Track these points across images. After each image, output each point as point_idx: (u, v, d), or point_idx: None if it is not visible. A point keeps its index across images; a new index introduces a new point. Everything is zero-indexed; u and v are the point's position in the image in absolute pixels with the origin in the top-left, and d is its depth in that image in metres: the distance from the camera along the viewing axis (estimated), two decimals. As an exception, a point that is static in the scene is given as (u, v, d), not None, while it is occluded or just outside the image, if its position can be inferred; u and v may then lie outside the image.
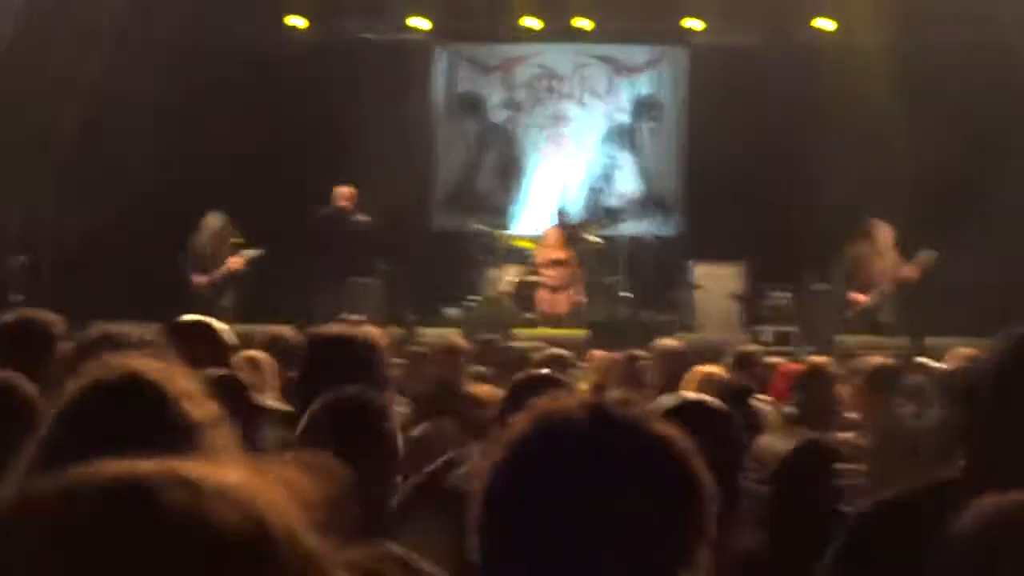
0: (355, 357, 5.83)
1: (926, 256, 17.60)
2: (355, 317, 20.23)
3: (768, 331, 20.55)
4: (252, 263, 18.61)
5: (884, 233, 18.02)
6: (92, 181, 20.69)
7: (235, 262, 18.54)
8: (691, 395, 5.15)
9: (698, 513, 2.27)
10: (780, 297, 21.01)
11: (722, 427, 4.16)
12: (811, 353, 18.62)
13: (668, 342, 12.10)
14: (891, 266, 17.82)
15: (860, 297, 17.69)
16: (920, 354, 15.94)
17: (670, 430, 2.36)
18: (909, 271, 17.65)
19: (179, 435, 2.44)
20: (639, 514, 2.24)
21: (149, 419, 2.50)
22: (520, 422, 2.35)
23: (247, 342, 9.46)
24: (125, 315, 16.16)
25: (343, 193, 19.67)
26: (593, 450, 2.28)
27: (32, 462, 2.46)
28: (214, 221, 18.76)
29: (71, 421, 2.51)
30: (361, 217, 19.51)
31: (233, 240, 18.74)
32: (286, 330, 10.68)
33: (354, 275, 19.72)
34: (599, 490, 2.24)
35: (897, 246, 18.06)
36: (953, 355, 11.15)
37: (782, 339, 20.26)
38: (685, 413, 3.80)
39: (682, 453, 2.32)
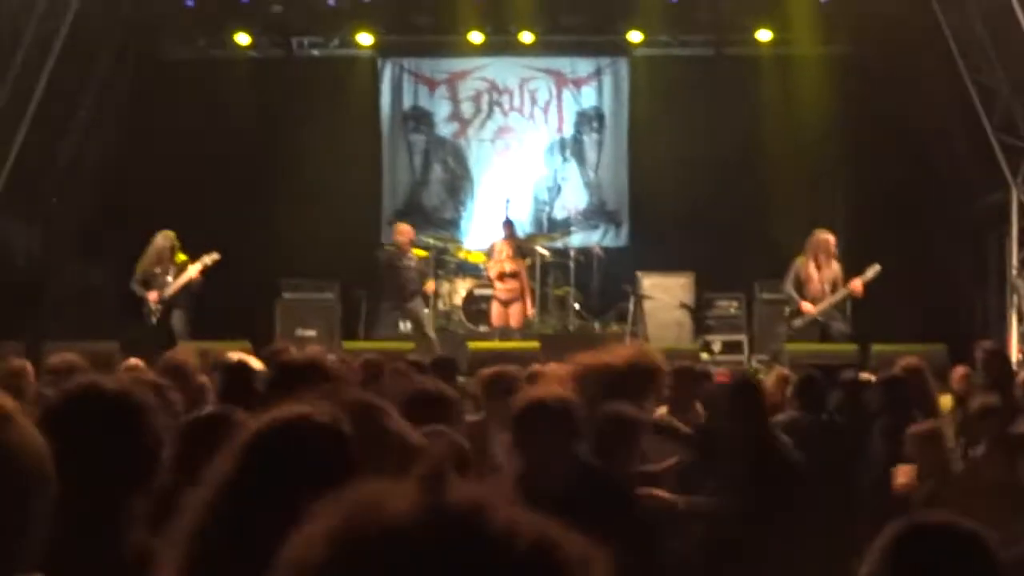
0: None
1: (871, 270, 17.81)
2: (308, 333, 20.41)
3: (718, 340, 20.81)
4: (207, 271, 18.57)
5: (828, 243, 18.19)
6: (37, 202, 20.66)
7: (193, 269, 18.51)
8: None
9: None
10: (729, 306, 21.24)
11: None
12: (761, 361, 19.00)
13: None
14: (835, 276, 18.02)
15: (809, 307, 17.87)
16: (866, 361, 16.30)
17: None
18: (854, 285, 17.82)
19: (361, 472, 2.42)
20: None
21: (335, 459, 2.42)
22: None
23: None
24: (79, 336, 16.40)
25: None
26: None
27: (216, 502, 2.38)
28: (162, 240, 18.73)
29: (255, 462, 2.41)
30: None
31: (179, 258, 18.70)
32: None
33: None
34: None
35: (839, 257, 18.24)
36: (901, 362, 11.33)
37: (732, 348, 20.52)
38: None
39: None
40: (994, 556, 3.01)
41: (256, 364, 6.89)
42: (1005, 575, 2.85)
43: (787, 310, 18.45)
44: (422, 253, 20.58)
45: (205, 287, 19.12)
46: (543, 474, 5.87)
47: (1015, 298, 20.94)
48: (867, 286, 17.75)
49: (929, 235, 21.01)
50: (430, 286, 20.31)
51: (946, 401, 11.21)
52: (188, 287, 18.53)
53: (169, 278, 18.49)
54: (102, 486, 3.43)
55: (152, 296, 18.45)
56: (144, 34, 22.13)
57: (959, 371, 11.97)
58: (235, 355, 7.20)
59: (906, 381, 10.10)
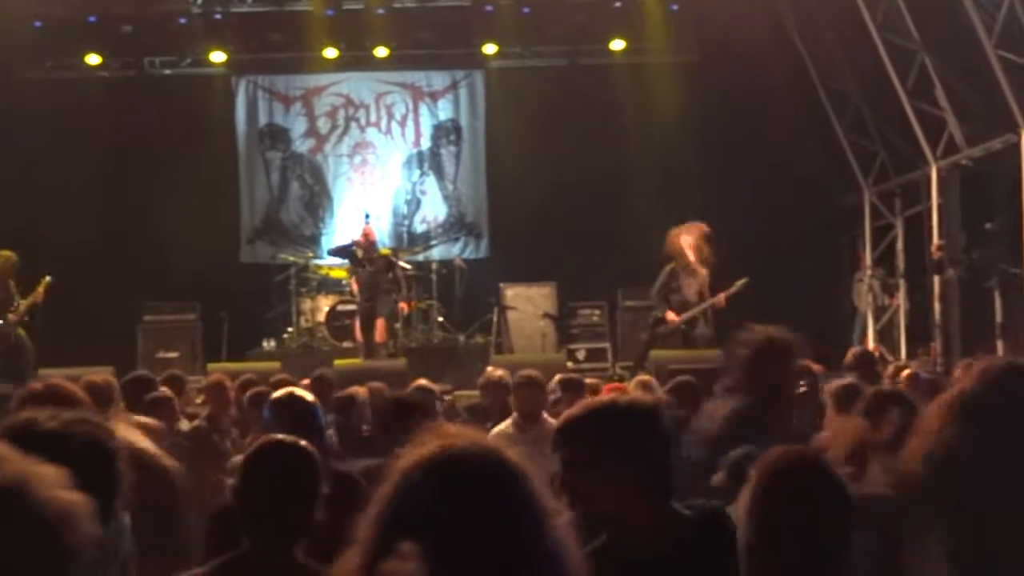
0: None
1: (739, 284, 17.94)
2: (170, 355, 20.21)
3: (582, 349, 20.94)
4: (48, 292, 18.29)
5: (693, 247, 18.23)
6: None
7: (38, 295, 18.23)
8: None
9: None
10: (592, 315, 21.38)
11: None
12: (625, 368, 19.12)
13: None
14: (703, 284, 18.10)
15: (673, 316, 17.97)
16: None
17: None
18: (719, 299, 17.94)
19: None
20: None
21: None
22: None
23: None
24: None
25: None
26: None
27: (375, 536, 2.44)
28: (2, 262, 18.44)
29: (411, 498, 2.46)
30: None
31: (12, 281, 18.43)
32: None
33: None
34: None
35: (709, 262, 18.30)
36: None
37: (597, 355, 20.66)
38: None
39: None
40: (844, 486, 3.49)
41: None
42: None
43: (652, 316, 18.55)
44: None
45: (64, 312, 18.86)
46: None
47: (870, 297, 21.38)
48: (731, 298, 17.88)
49: (785, 237, 21.31)
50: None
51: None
52: (33, 308, 18.28)
53: (12, 299, 18.22)
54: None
55: (11, 318, 18.16)
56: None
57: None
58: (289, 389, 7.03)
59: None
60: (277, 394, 6.66)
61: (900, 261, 21.26)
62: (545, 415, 9.52)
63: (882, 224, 21.81)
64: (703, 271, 17.91)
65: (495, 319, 21.26)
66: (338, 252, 20.66)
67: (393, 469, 2.50)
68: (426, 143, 24.13)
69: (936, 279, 19.18)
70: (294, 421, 5.89)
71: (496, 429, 9.37)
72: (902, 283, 21.09)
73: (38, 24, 22.07)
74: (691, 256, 17.80)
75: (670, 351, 17.46)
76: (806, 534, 3.37)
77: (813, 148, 21.62)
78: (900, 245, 21.36)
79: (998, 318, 17.44)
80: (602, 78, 22.92)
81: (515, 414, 9.56)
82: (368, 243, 19.52)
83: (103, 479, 3.37)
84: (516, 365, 12.90)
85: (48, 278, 18.24)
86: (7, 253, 18.41)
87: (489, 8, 22.39)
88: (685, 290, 17.95)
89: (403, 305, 20.35)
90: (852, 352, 12.80)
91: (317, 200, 23.90)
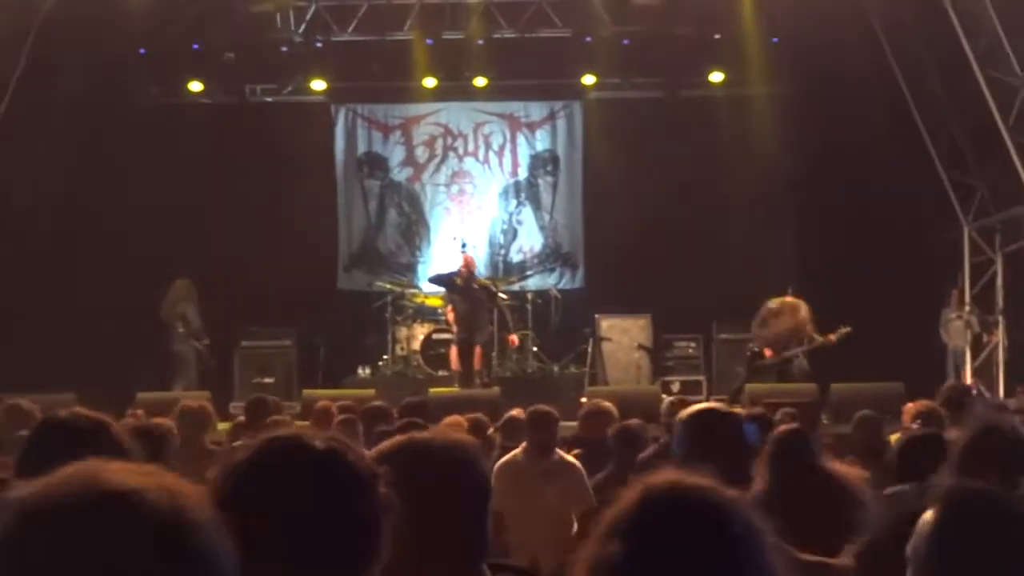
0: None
1: (843, 331, 18.06)
2: (267, 381, 20.39)
3: (677, 381, 20.88)
4: None
5: (803, 308, 18.51)
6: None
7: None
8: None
9: None
10: (687, 347, 21.33)
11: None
12: (720, 401, 19.05)
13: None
14: (805, 335, 18.34)
15: (770, 352, 18.04)
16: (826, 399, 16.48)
17: None
18: (830, 337, 18.10)
19: None
20: None
21: None
22: None
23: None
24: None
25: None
26: None
27: None
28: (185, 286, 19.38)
29: None
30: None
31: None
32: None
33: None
34: None
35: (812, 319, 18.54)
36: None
37: (691, 388, 20.60)
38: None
39: None
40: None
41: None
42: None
43: (750, 349, 18.56)
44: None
45: (160, 339, 19.22)
46: None
47: (968, 334, 21.14)
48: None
49: (882, 272, 21.13)
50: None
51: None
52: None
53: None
54: None
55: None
56: (99, 82, 22.00)
57: (910, 408, 12.04)
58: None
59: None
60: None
61: (999, 297, 21.03)
62: (557, 449, 9.62)
63: (981, 260, 21.58)
64: (809, 327, 18.16)
65: (590, 350, 21.25)
66: (438, 280, 20.73)
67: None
68: (523, 173, 24.20)
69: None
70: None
71: (504, 459, 9.41)
72: (1001, 320, 20.86)
73: (143, 51, 22.41)
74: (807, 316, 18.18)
75: (766, 384, 17.44)
76: None
77: (912, 182, 21.43)
78: (1000, 281, 21.13)
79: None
80: (700, 110, 22.85)
81: (526, 444, 9.58)
82: (469, 272, 19.63)
83: None
84: (611, 396, 12.94)
85: None
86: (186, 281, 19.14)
87: (588, 39, 22.41)
88: (786, 338, 18.18)
89: (511, 339, 20.46)
90: (949, 386, 12.72)
91: (414, 228, 24.03)
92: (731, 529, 2.25)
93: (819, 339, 18.24)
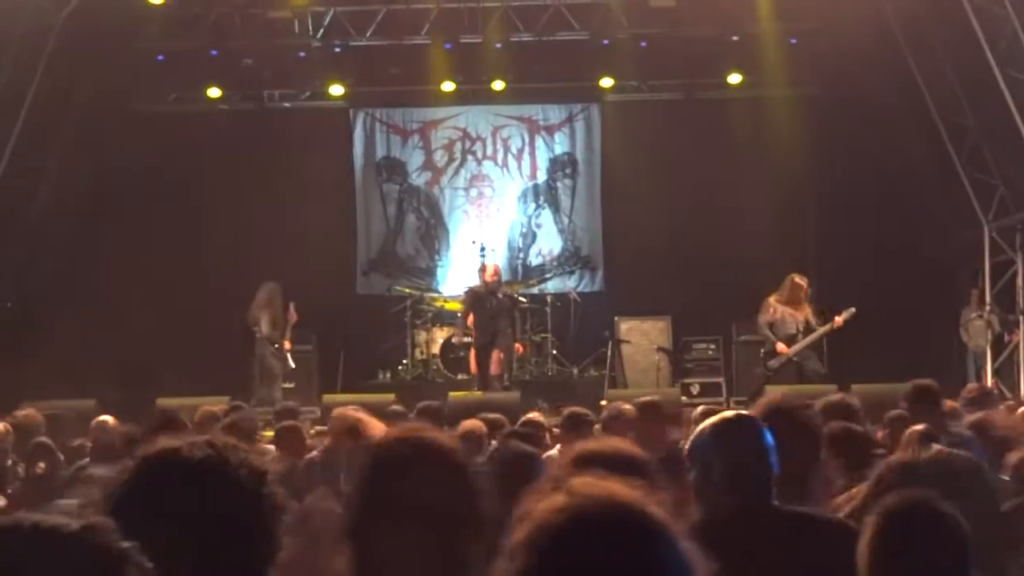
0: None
1: (847, 313, 17.99)
2: (287, 386, 20.38)
3: (696, 383, 20.86)
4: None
5: (801, 287, 18.45)
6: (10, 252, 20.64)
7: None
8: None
9: None
10: (706, 349, 21.30)
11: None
12: (740, 403, 19.01)
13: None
14: (807, 318, 18.31)
15: (784, 347, 18.03)
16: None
17: None
18: (837, 320, 18.03)
19: None
20: None
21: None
22: None
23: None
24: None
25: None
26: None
27: None
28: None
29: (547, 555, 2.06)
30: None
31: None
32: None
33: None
34: None
35: (811, 301, 18.51)
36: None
37: (711, 390, 20.57)
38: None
39: None
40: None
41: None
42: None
43: (763, 351, 18.56)
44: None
45: (181, 342, 19.19)
46: None
47: (989, 334, 21.07)
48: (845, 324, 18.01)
49: (902, 272, 21.09)
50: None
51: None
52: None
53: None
54: None
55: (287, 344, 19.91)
56: (117, 89, 22.07)
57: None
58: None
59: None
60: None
61: (1020, 297, 20.94)
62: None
63: (1001, 259, 21.49)
64: (808, 306, 18.06)
65: (609, 353, 21.23)
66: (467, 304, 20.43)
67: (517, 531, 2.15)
68: (542, 176, 24.18)
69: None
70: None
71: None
72: (1021, 319, 20.77)
73: (160, 58, 22.46)
74: (801, 295, 18.06)
75: (785, 386, 17.39)
76: None
77: (931, 182, 21.37)
78: (1020, 280, 21.04)
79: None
80: (719, 111, 22.81)
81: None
82: (496, 282, 19.62)
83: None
84: (631, 399, 12.88)
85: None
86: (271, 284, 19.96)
87: (606, 42, 22.40)
88: (788, 327, 18.08)
89: (518, 347, 20.43)
90: (971, 388, 12.66)
91: (433, 232, 24.02)
92: (655, 552, 2.07)
93: (822, 329, 18.19)
